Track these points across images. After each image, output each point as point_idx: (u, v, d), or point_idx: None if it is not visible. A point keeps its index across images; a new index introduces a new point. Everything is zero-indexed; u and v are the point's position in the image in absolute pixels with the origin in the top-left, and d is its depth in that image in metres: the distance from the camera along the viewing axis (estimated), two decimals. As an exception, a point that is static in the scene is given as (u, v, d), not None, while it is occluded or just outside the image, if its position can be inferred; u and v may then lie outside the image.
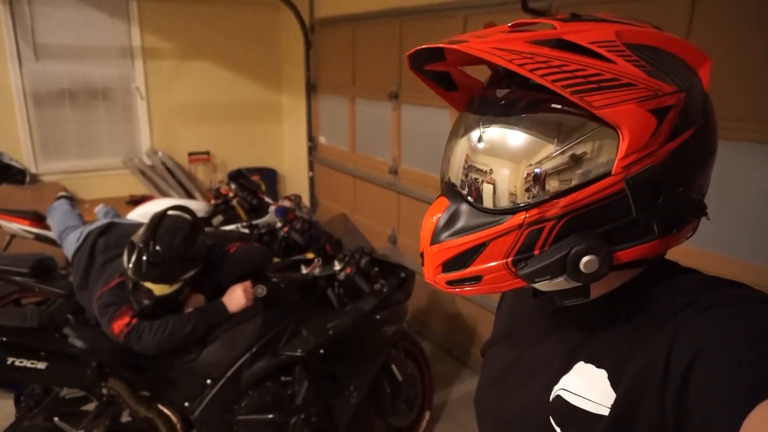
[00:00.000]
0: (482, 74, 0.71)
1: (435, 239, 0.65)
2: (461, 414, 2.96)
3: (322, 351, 2.15)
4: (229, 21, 4.87)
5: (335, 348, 2.21)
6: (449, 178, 0.68)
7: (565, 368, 0.65)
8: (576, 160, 0.58)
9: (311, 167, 5.02)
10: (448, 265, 0.64)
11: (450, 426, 2.86)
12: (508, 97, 0.62)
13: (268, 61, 5.18)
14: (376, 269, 2.47)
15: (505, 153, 0.61)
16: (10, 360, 1.78)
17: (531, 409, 0.69)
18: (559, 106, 0.58)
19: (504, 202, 0.61)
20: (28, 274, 2.60)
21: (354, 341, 2.28)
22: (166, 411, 2.03)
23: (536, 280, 0.60)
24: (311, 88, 4.76)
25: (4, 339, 1.81)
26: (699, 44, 0.63)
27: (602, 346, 0.63)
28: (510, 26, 0.61)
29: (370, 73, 3.98)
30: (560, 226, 0.59)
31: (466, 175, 0.64)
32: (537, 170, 0.59)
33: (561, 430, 0.64)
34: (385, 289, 2.35)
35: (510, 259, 0.61)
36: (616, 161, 0.56)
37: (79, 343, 1.92)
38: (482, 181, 0.62)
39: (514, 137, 0.60)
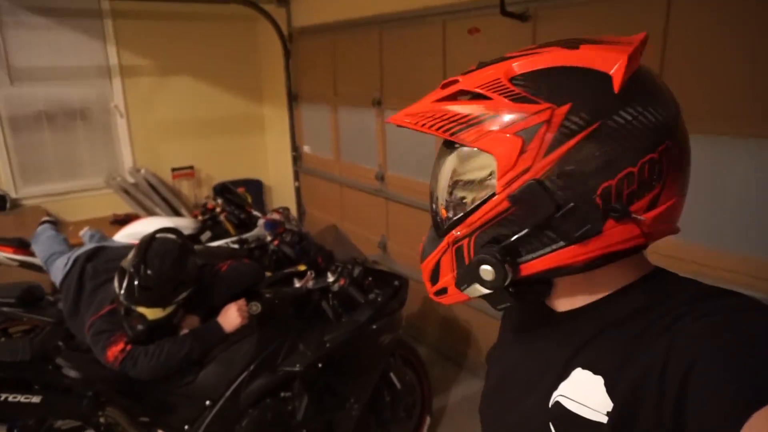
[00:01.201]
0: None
1: (422, 257, 0.78)
2: (461, 417, 2.96)
3: (320, 365, 2.14)
4: (206, 35, 4.84)
5: (333, 361, 2.20)
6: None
7: (564, 374, 0.67)
8: (471, 185, 0.68)
9: (297, 177, 5.00)
10: (431, 279, 0.76)
11: (451, 429, 2.87)
12: (444, 142, 0.74)
13: (248, 72, 5.15)
14: (370, 279, 2.47)
15: (434, 183, 0.75)
16: (3, 396, 1.75)
17: (531, 416, 0.71)
18: (456, 145, 0.70)
19: (442, 226, 0.73)
20: (15, 304, 2.55)
21: (352, 353, 2.27)
22: (165, 436, 2.00)
23: (461, 288, 0.71)
24: (293, 98, 4.74)
25: (-3, 374, 1.77)
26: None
27: (599, 352, 0.65)
28: (440, 86, 0.72)
29: (351, 81, 3.98)
30: (473, 243, 0.68)
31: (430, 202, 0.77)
32: (445, 196, 0.72)
33: None
34: (380, 299, 2.35)
35: (454, 273, 0.72)
36: (496, 182, 0.64)
37: (73, 374, 1.89)
38: (433, 208, 0.76)
39: (438, 170, 0.74)
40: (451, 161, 0.71)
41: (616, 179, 0.60)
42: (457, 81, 0.70)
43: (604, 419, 0.61)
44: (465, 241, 0.69)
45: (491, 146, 0.64)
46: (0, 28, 4.08)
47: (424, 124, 0.68)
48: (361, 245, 2.94)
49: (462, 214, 0.69)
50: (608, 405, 0.61)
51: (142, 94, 4.68)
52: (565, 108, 0.61)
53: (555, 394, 0.67)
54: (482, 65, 0.70)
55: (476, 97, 0.66)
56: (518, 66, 0.66)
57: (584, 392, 0.64)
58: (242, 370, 2.07)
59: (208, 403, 2.04)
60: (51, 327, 2.49)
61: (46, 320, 2.53)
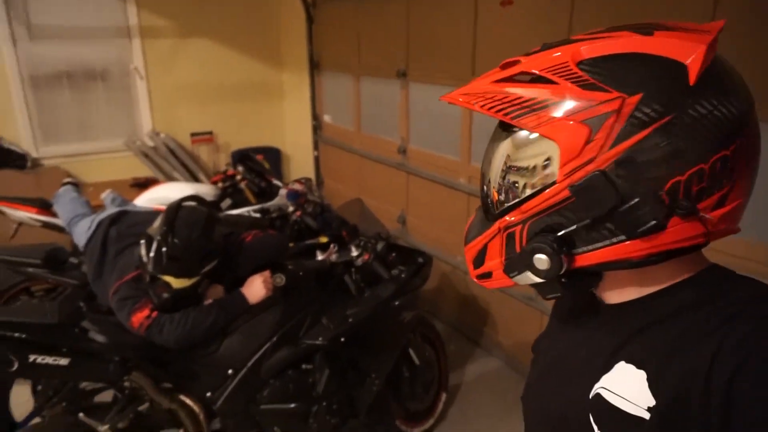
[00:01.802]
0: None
1: (466, 241, 0.77)
2: (476, 394, 2.98)
3: (342, 339, 2.14)
4: (227, -3, 4.74)
5: (355, 335, 2.19)
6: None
7: (607, 367, 0.66)
8: (527, 171, 0.67)
9: (316, 147, 4.95)
10: (474, 263, 0.76)
11: (465, 406, 2.89)
12: (499, 124, 0.73)
13: (268, 38, 5.07)
14: (393, 255, 2.45)
15: (487, 166, 0.73)
16: (32, 357, 1.76)
17: (572, 406, 0.71)
18: (514, 129, 0.68)
19: (494, 211, 0.73)
20: (40, 265, 2.56)
21: (374, 328, 2.27)
22: (188, 402, 2.02)
23: (510, 275, 0.70)
24: (314, 66, 4.66)
25: (26, 336, 1.78)
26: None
27: (644, 347, 0.64)
28: (499, 66, 0.70)
29: (376, 50, 3.89)
30: (527, 230, 0.67)
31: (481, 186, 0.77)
32: (498, 180, 0.71)
33: (599, 429, 0.66)
34: (403, 275, 2.33)
35: (503, 258, 0.71)
36: (558, 170, 0.62)
37: (100, 338, 1.90)
38: (484, 190, 0.75)
39: (492, 152, 0.72)
40: (506, 145, 0.69)
41: (686, 175, 0.58)
42: (518, 62, 0.67)
43: (646, 415, 0.60)
44: (518, 228, 0.68)
45: (555, 133, 0.62)
46: (20, -16, 4.01)
47: (483, 105, 0.66)
48: (380, 219, 2.91)
49: (516, 200, 0.68)
50: (650, 401, 0.60)
51: (161, 57, 4.62)
52: (636, 98, 0.58)
53: (596, 386, 0.67)
54: (547, 47, 0.67)
55: (540, 80, 0.64)
56: (587, 50, 0.63)
57: (626, 386, 0.63)
58: (265, 341, 2.07)
59: (230, 372, 2.05)
60: (73, 289, 2.51)
61: (70, 282, 2.55)
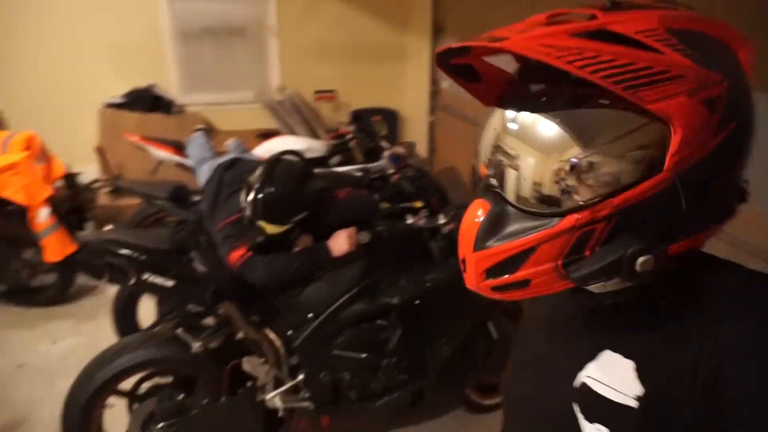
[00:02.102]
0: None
1: (479, 245, 0.63)
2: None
3: (418, 301, 2.20)
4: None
5: (432, 300, 2.25)
6: (486, 177, 0.65)
7: (591, 355, 0.65)
8: (626, 158, 0.55)
9: (432, 112, 4.97)
10: (493, 271, 0.62)
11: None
12: (548, 92, 0.60)
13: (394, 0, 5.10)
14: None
15: (550, 150, 0.58)
16: (146, 275, 2.05)
17: (555, 395, 0.70)
18: (606, 102, 0.55)
19: (553, 205, 0.59)
20: (167, 199, 2.92)
21: (451, 295, 2.30)
22: (271, 336, 2.22)
23: (590, 282, 0.59)
24: (438, 30, 4.62)
25: (144, 257, 2.07)
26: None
27: (632, 337, 0.62)
28: (547, 16, 0.59)
29: (502, 16, 3.77)
30: (611, 227, 0.57)
31: (504, 175, 0.63)
32: (587, 170, 0.56)
33: (584, 417, 0.65)
34: (487, 249, 2.31)
35: (560, 262, 0.59)
36: (668, 157, 0.54)
37: (201, 268, 2.15)
38: (530, 183, 0.60)
39: (541, 134, 0.59)
40: (591, 122, 0.57)
41: (746, 163, 0.60)
42: (595, 16, 0.56)
43: (634, 403, 0.59)
44: (600, 225, 0.56)
45: (676, 113, 0.52)
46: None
47: (583, 67, 0.51)
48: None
49: (602, 192, 0.56)
50: (638, 390, 0.59)
51: (294, 16, 4.87)
52: (727, 84, 0.55)
53: (581, 374, 0.65)
54: (623, 5, 0.57)
55: (635, 44, 0.53)
56: (666, 18, 0.55)
57: (613, 375, 0.62)
58: (344, 293, 2.20)
59: (310, 315, 2.21)
60: (192, 224, 2.84)
61: (189, 217, 2.88)
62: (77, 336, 3.20)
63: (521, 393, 0.80)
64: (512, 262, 0.61)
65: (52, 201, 3.18)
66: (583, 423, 0.65)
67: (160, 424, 2.11)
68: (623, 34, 0.53)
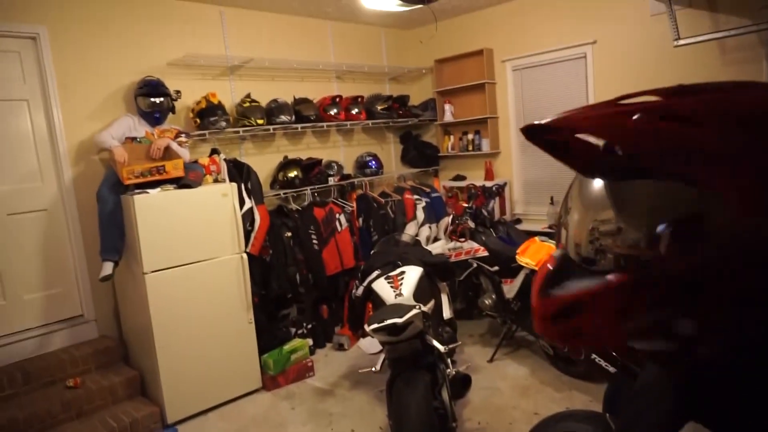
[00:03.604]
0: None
1: (545, 292, 0.69)
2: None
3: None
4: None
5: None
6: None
7: (678, 426, 0.66)
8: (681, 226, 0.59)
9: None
10: (555, 316, 0.67)
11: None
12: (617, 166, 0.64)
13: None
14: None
15: (599, 212, 0.65)
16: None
17: None
18: (664, 177, 0.59)
19: (611, 263, 0.63)
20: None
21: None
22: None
23: (636, 340, 0.64)
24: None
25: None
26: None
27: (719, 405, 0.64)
28: (615, 99, 0.64)
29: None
30: (662, 290, 0.60)
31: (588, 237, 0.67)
32: (634, 234, 0.61)
33: None
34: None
35: (612, 318, 0.63)
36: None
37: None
38: (599, 243, 0.65)
39: (617, 198, 0.64)
40: (654, 191, 0.61)
41: None
42: (663, 94, 0.61)
43: None
44: (650, 285, 0.60)
45: (726, 187, 0.56)
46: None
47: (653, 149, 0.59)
48: None
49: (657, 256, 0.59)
50: None
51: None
52: None
53: None
54: (689, 88, 0.62)
55: (697, 125, 0.57)
56: (723, 101, 0.59)
57: None
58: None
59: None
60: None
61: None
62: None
63: None
64: (570, 309, 0.65)
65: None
66: None
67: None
68: (685, 116, 0.57)
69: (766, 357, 0.59)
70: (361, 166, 5.44)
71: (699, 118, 0.57)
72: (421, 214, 5.32)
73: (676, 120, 0.57)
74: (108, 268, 3.46)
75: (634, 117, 0.58)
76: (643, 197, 0.62)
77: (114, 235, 3.48)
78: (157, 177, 3.54)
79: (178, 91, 4.03)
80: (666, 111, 0.59)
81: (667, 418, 0.67)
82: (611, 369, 3.09)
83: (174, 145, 3.69)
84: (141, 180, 3.48)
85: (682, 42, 3.93)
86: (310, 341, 4.44)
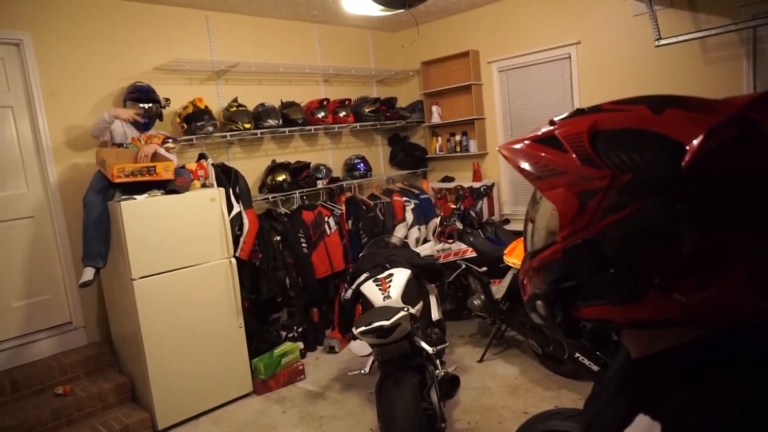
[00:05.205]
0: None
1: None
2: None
3: None
4: None
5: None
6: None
7: (628, 420, 0.66)
8: (545, 229, 0.74)
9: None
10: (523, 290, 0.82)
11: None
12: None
13: None
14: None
15: (535, 212, 0.80)
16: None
17: None
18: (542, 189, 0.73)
19: (530, 249, 0.80)
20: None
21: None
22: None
23: (527, 310, 0.78)
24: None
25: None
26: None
27: (659, 398, 0.65)
28: (548, 122, 0.74)
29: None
30: (541, 276, 0.73)
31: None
32: (535, 228, 0.78)
33: None
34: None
35: (527, 296, 0.79)
36: (558, 233, 0.69)
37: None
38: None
39: (540, 200, 0.79)
40: (539, 200, 0.78)
41: (662, 254, 0.59)
42: (555, 123, 0.73)
43: None
44: (536, 273, 0.74)
45: (556, 201, 0.68)
46: None
47: (519, 165, 0.74)
48: None
49: (536, 248, 0.75)
50: None
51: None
52: (627, 177, 0.61)
53: None
54: (578, 113, 0.72)
55: (559, 147, 0.69)
56: (602, 122, 0.67)
57: None
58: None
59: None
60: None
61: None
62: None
63: None
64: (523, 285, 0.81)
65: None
66: None
67: None
68: (558, 139, 0.70)
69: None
70: (350, 168, 5.46)
71: (563, 141, 0.69)
72: (410, 216, 5.36)
73: (553, 144, 0.70)
74: (89, 273, 3.44)
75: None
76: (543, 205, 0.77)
77: (99, 241, 3.47)
78: (147, 177, 3.52)
79: (167, 99, 4.02)
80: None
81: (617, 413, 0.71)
82: (594, 367, 3.15)
83: (161, 151, 3.68)
84: (131, 179, 3.46)
85: (663, 42, 4.00)
86: (300, 345, 4.45)
